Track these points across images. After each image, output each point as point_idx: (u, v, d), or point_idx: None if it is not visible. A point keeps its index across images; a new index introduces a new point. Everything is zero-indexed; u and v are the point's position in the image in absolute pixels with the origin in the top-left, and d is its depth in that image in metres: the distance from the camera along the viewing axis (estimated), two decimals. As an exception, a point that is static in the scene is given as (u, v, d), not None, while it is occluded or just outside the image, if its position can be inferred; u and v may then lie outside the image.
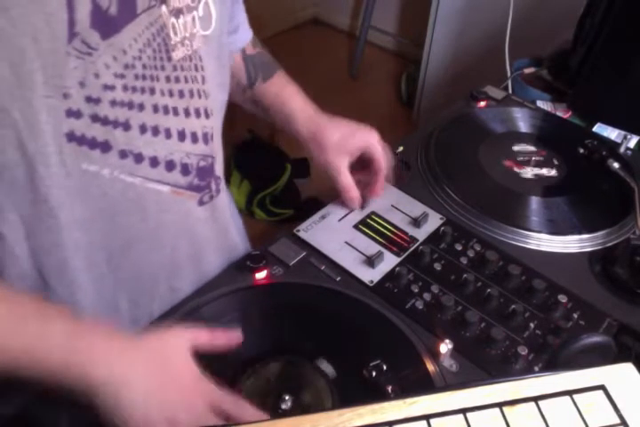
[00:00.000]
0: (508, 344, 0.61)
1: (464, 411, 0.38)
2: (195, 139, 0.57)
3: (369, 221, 0.75)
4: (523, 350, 0.59)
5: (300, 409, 0.55)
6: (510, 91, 1.17)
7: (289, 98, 0.77)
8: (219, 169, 0.64)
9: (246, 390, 0.57)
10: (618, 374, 0.40)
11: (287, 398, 0.54)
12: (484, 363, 0.59)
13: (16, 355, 0.44)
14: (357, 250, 0.70)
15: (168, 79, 0.52)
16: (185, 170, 0.57)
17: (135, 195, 0.54)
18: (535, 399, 0.39)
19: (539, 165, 0.86)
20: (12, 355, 0.44)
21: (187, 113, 0.55)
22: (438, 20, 2.02)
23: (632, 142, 0.94)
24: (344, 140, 0.73)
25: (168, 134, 0.54)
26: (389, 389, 0.54)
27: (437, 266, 0.68)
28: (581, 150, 0.86)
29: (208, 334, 0.54)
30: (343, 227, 0.74)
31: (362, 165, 0.76)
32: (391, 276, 0.67)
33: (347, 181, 0.73)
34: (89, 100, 0.46)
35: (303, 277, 0.67)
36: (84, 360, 0.46)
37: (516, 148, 0.89)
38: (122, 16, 0.46)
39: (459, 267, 0.69)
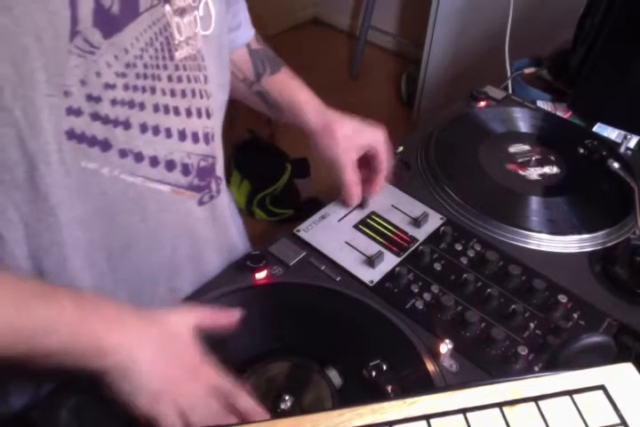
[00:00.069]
0: (507, 344, 0.61)
1: (464, 411, 0.38)
2: (196, 139, 0.57)
3: (369, 221, 0.75)
4: (523, 350, 0.59)
5: (299, 410, 0.55)
6: (510, 91, 1.17)
7: (297, 90, 0.77)
8: (219, 169, 0.64)
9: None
10: (618, 374, 0.40)
11: (287, 398, 0.54)
12: (484, 363, 0.59)
13: (26, 333, 0.44)
14: (357, 250, 0.71)
15: (170, 78, 0.52)
16: (185, 170, 0.57)
17: (135, 194, 0.54)
18: (535, 399, 0.39)
19: (540, 163, 0.86)
20: (23, 333, 0.44)
21: (188, 113, 0.55)
22: (438, 20, 2.02)
23: (632, 142, 0.94)
24: (355, 135, 0.73)
25: (169, 134, 0.54)
26: (389, 389, 0.54)
27: (437, 266, 0.69)
28: (581, 150, 0.86)
29: (211, 314, 0.55)
30: (343, 227, 0.74)
31: (360, 163, 0.76)
32: (391, 276, 0.67)
33: (352, 176, 0.73)
34: (89, 98, 0.46)
35: (303, 277, 0.67)
36: (95, 328, 0.46)
37: (512, 149, 0.89)
38: (124, 15, 0.46)
39: (459, 267, 0.69)
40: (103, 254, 0.57)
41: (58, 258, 0.53)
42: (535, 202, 0.79)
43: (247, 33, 0.74)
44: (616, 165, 0.82)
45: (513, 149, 0.89)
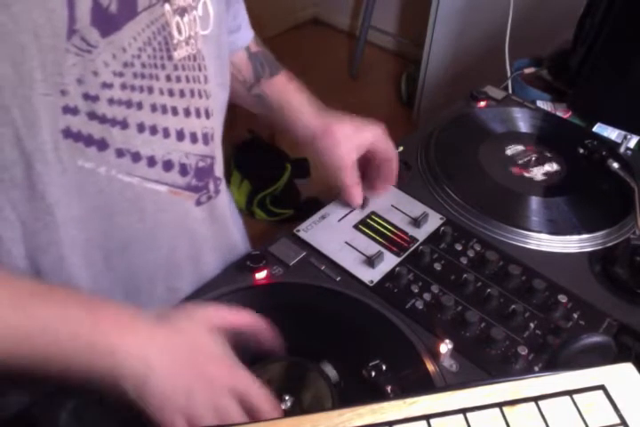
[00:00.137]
0: (508, 344, 0.61)
1: (464, 411, 0.38)
2: (194, 139, 0.57)
3: (369, 221, 0.75)
4: (523, 350, 0.59)
5: (299, 410, 0.55)
6: (510, 91, 1.17)
7: (296, 92, 0.77)
8: (218, 170, 0.64)
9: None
10: (618, 374, 0.40)
11: (287, 398, 0.54)
12: (484, 363, 0.59)
13: (24, 333, 0.43)
14: (357, 250, 0.70)
15: (168, 78, 0.52)
16: (183, 170, 0.57)
17: (133, 194, 0.54)
18: (535, 399, 0.39)
19: (540, 162, 0.86)
20: (21, 333, 0.43)
21: (187, 113, 0.55)
22: (438, 20, 2.02)
23: (632, 142, 0.94)
24: (355, 134, 0.73)
25: (166, 134, 0.54)
26: (389, 389, 0.54)
27: (437, 266, 0.68)
28: (581, 150, 0.86)
29: (238, 318, 0.53)
30: (343, 227, 0.74)
31: (359, 162, 0.75)
32: (391, 276, 0.67)
33: (353, 177, 0.73)
34: (86, 97, 0.46)
35: (303, 277, 0.67)
36: (108, 332, 0.45)
37: (509, 152, 0.88)
38: (122, 14, 0.46)
39: (459, 267, 0.69)
40: (100, 254, 0.57)
41: (55, 257, 0.53)
42: (535, 202, 0.79)
43: (247, 35, 0.74)
44: (616, 165, 0.82)
45: (513, 149, 0.89)
